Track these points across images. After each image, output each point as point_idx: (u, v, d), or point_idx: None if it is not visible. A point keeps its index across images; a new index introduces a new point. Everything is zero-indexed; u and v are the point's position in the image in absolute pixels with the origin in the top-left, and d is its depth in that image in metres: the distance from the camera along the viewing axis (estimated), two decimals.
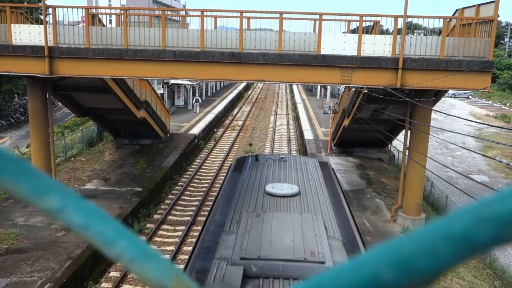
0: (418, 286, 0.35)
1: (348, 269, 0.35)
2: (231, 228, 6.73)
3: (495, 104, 53.50)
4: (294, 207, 7.60)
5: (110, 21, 27.26)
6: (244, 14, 13.39)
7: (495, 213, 0.33)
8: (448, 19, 13.85)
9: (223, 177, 20.47)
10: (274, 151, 27.22)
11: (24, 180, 0.43)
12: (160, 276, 0.43)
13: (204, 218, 14.24)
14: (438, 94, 15.04)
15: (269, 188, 8.21)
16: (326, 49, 13.06)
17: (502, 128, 24.91)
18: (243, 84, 57.67)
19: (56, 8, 13.55)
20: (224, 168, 23.37)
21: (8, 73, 14.80)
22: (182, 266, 9.52)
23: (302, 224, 6.50)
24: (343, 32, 15.28)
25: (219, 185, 14.97)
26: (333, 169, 11.74)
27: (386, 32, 19.46)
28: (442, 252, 0.34)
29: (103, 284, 12.42)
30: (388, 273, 0.34)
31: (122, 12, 14.82)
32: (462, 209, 0.35)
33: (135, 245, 0.43)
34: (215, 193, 14.64)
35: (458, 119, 33.60)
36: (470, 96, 58.04)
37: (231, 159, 25.24)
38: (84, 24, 13.67)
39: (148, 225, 16.12)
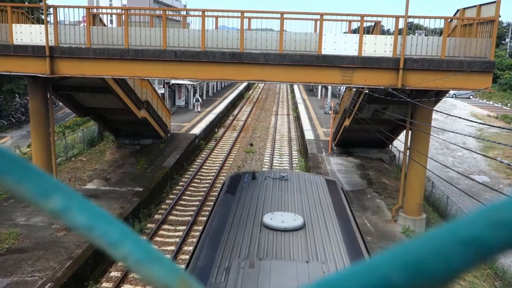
0: None
1: (359, 271, 0.35)
2: (218, 279, 5.50)
3: (496, 105, 53.48)
4: (298, 247, 6.32)
5: (111, 21, 27.25)
6: (245, 14, 13.39)
7: (508, 217, 0.33)
8: (449, 20, 13.84)
9: (222, 178, 20.50)
10: (275, 151, 27.21)
11: (28, 181, 0.43)
12: (164, 277, 0.43)
13: (204, 218, 14.25)
14: (439, 94, 15.03)
15: (267, 219, 6.98)
16: (327, 49, 13.05)
17: (503, 128, 24.91)
18: (244, 84, 57.68)
19: (57, 8, 13.56)
20: (224, 168, 23.37)
21: (9, 73, 14.81)
22: (183, 266, 9.51)
23: (309, 280, 5.23)
24: (344, 32, 15.28)
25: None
26: (342, 188, 10.36)
27: (387, 32, 19.43)
28: (454, 255, 0.33)
29: (104, 284, 12.42)
30: (399, 276, 0.33)
31: (123, 12, 14.81)
32: (475, 212, 0.34)
33: (140, 246, 0.43)
34: (215, 192, 13.95)
35: (459, 119, 33.56)
36: (471, 97, 58.00)
37: (232, 159, 25.22)
38: (85, 24, 13.68)
39: (149, 225, 16.13)
